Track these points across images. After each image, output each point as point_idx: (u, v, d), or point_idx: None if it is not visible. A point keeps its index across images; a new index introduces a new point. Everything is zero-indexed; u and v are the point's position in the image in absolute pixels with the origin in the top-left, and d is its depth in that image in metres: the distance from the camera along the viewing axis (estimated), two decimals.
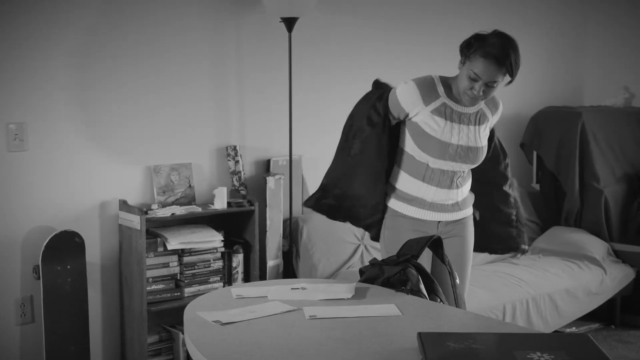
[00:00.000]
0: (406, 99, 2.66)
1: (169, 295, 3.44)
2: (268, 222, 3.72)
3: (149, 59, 3.52)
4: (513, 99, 5.02)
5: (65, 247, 3.22)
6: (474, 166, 2.72)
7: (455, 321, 2.09)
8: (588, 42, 5.48)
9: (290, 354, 1.76)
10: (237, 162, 3.72)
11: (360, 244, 4.01)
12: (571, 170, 4.71)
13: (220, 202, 3.54)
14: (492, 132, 2.81)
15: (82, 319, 3.27)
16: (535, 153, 4.94)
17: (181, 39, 3.60)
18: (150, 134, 3.55)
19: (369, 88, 4.29)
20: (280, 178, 3.76)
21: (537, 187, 5.02)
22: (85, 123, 3.37)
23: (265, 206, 3.71)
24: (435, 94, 2.64)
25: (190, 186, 3.62)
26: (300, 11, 3.62)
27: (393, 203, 2.76)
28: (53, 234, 3.19)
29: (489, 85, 2.56)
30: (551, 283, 4.10)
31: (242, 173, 3.73)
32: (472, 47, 2.57)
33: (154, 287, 3.40)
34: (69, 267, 3.22)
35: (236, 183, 3.72)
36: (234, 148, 3.73)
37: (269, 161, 3.87)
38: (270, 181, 3.73)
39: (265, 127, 3.91)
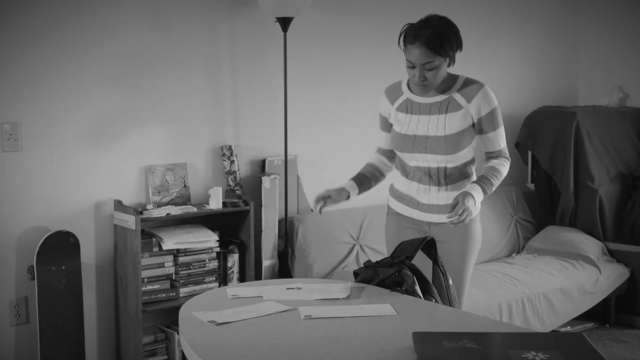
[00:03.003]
0: (381, 106, 2.79)
1: (164, 295, 3.43)
2: (263, 222, 3.72)
3: (144, 58, 3.51)
4: (508, 99, 5.04)
5: (60, 247, 3.21)
6: (444, 157, 2.62)
7: (450, 321, 2.10)
8: (582, 42, 5.49)
9: (285, 354, 1.76)
10: (232, 162, 3.72)
11: (355, 244, 4.01)
12: (566, 170, 4.72)
13: (216, 202, 3.54)
14: (480, 124, 2.64)
15: (77, 319, 3.27)
16: (530, 153, 4.95)
17: (176, 39, 3.60)
18: (145, 134, 3.54)
19: (364, 87, 4.31)
20: (275, 178, 3.76)
21: (532, 186, 5.03)
22: (80, 123, 3.37)
23: (261, 206, 3.71)
24: (399, 91, 2.73)
25: (185, 186, 3.62)
26: (295, 11, 3.62)
27: (389, 200, 2.90)
28: (48, 234, 3.19)
29: (427, 68, 2.56)
30: (546, 282, 4.11)
31: (238, 173, 3.73)
32: (402, 37, 2.62)
33: (149, 287, 3.39)
34: (63, 267, 3.22)
35: (231, 183, 3.72)
36: (229, 148, 3.73)
37: (264, 161, 3.87)
38: (266, 181, 3.72)
39: (260, 127, 3.91)
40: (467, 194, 2.52)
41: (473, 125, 2.65)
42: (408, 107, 2.69)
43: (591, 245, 4.51)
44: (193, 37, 3.66)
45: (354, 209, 4.15)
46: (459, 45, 2.64)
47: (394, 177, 2.89)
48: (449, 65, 2.63)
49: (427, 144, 2.64)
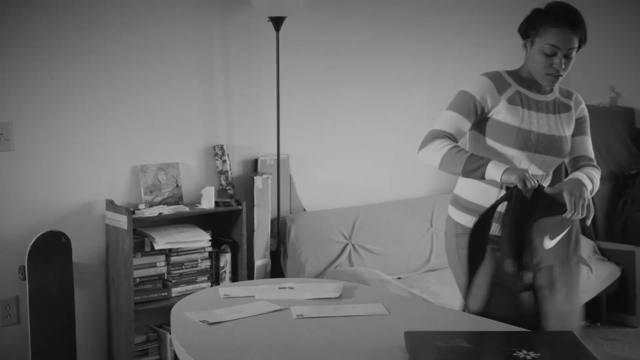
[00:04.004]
0: (479, 91, 2.40)
1: (156, 295, 3.43)
2: (256, 222, 3.72)
3: (136, 58, 3.50)
4: None
5: (51, 247, 3.20)
6: (559, 160, 2.48)
7: (442, 320, 2.10)
8: None
9: (277, 353, 1.76)
10: (224, 161, 3.72)
11: (348, 243, 4.02)
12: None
13: (208, 202, 3.54)
14: (579, 125, 2.53)
15: (69, 319, 3.26)
16: None
17: (168, 39, 3.59)
18: (137, 134, 3.54)
19: (357, 87, 4.32)
20: (268, 177, 3.76)
21: None
22: (72, 123, 3.35)
23: (253, 206, 3.70)
24: (506, 83, 2.42)
25: (177, 186, 3.61)
26: (288, 10, 3.61)
27: (458, 216, 2.48)
28: (39, 234, 3.18)
29: (568, 56, 2.34)
30: None
31: (230, 172, 3.73)
32: (536, 21, 2.37)
33: (141, 287, 3.38)
34: (55, 267, 3.20)
35: (224, 182, 3.72)
36: (222, 147, 3.72)
37: (256, 160, 3.86)
38: (258, 180, 3.72)
39: (252, 126, 3.90)
40: (578, 183, 2.29)
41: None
42: (523, 102, 2.41)
43: (583, 244, 4.51)
44: (185, 36, 3.65)
45: (346, 208, 4.15)
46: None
47: (462, 186, 2.48)
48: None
49: (552, 143, 2.41)
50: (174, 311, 2.10)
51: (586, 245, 4.53)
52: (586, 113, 2.56)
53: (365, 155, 4.37)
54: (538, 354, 1.62)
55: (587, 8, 5.68)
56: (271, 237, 3.81)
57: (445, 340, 1.71)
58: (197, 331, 1.92)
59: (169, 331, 3.32)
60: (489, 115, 2.39)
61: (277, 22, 3.64)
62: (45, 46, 3.25)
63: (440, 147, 2.33)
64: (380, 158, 4.44)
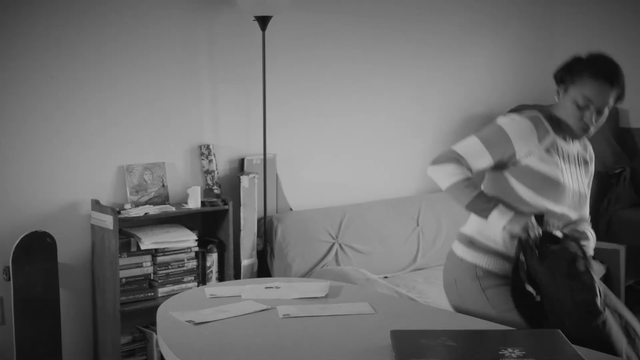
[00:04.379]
0: (518, 135, 2.25)
1: (142, 295, 3.41)
2: (242, 221, 3.71)
3: (122, 58, 3.49)
4: (485, 98, 5.07)
5: (36, 247, 3.18)
6: (579, 213, 2.36)
7: (428, 319, 2.11)
8: (559, 40, 5.54)
9: (263, 353, 1.76)
10: (210, 161, 3.71)
11: (334, 243, 4.02)
12: None
13: (194, 202, 3.53)
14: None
15: (54, 320, 3.24)
16: None
17: (154, 38, 3.58)
18: (122, 133, 3.52)
19: (343, 87, 4.32)
20: (254, 177, 3.76)
21: None
22: (57, 122, 3.33)
23: (240, 205, 3.70)
24: (545, 130, 2.28)
25: (163, 185, 3.60)
26: (273, 10, 3.61)
27: (479, 258, 2.30)
28: (24, 235, 3.15)
29: (600, 111, 2.24)
30: None
31: (216, 172, 3.72)
32: (575, 69, 2.27)
33: (127, 287, 3.37)
34: (40, 267, 3.18)
35: (210, 182, 3.71)
36: (208, 147, 3.72)
37: (243, 160, 3.86)
38: (245, 180, 3.72)
39: (239, 125, 3.90)
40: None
41: None
42: (559, 152, 2.29)
43: None
44: (171, 36, 3.64)
45: (333, 207, 4.16)
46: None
47: (477, 229, 2.33)
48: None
49: (580, 202, 2.33)
50: (160, 311, 2.10)
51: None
52: (592, 169, 2.46)
53: (352, 154, 4.38)
54: (523, 352, 1.63)
55: (569, 9, 5.74)
56: (258, 236, 3.81)
57: (431, 339, 1.72)
58: (183, 331, 1.92)
59: (156, 331, 3.31)
60: (520, 160, 2.26)
61: (263, 21, 3.64)
62: (31, 46, 3.23)
63: (453, 174, 2.24)
64: (366, 157, 4.44)
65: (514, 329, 2.03)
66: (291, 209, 4.08)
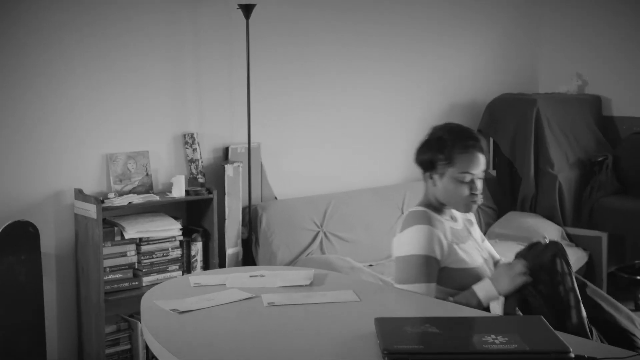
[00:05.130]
0: (432, 247, 2.19)
1: (126, 284, 3.40)
2: (227, 210, 3.70)
3: (105, 46, 3.46)
4: (470, 86, 5.08)
5: (18, 237, 3.16)
6: None
7: (412, 306, 2.12)
8: (542, 29, 5.56)
9: (248, 341, 1.76)
10: (194, 149, 3.70)
11: (319, 231, 4.02)
12: (526, 157, 4.79)
13: (178, 191, 3.52)
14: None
15: (38, 310, 3.22)
16: (491, 140, 5.01)
17: (137, 26, 3.55)
18: (105, 122, 3.50)
19: (328, 75, 4.31)
20: (238, 166, 3.75)
21: (493, 173, 5.09)
22: (40, 111, 3.30)
23: (224, 194, 3.69)
24: (440, 223, 2.26)
25: (147, 174, 3.58)
26: None
27: None
28: (6, 224, 3.13)
29: (480, 178, 2.27)
30: None
31: (200, 161, 3.70)
32: (443, 150, 2.24)
33: (111, 276, 3.36)
34: (23, 257, 3.16)
35: (194, 171, 3.70)
36: (192, 136, 3.70)
37: (227, 149, 3.85)
38: (229, 169, 3.71)
39: (223, 114, 3.88)
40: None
41: None
42: (456, 236, 2.28)
43: (551, 230, 4.59)
44: (155, 24, 3.61)
45: (317, 196, 4.16)
46: None
47: None
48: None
49: (490, 267, 2.32)
50: (144, 300, 2.09)
51: (554, 231, 4.60)
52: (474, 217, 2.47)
53: (336, 143, 4.37)
54: (506, 339, 1.64)
55: None
56: (242, 225, 3.80)
57: (415, 326, 1.72)
58: (168, 320, 1.91)
59: (140, 320, 3.31)
60: (441, 266, 2.21)
61: (247, 9, 3.62)
62: (11, 35, 3.19)
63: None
64: (351, 146, 4.45)
65: (498, 316, 2.04)
66: (276, 198, 4.08)
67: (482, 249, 2.37)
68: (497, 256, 2.48)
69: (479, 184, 2.26)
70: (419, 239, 2.19)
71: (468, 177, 2.22)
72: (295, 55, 4.16)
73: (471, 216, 2.44)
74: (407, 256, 2.20)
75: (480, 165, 2.25)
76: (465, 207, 2.27)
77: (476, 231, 2.43)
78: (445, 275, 2.22)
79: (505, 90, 5.20)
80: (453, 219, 2.34)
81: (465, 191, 2.23)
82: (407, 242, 2.21)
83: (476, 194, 2.24)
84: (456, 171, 2.23)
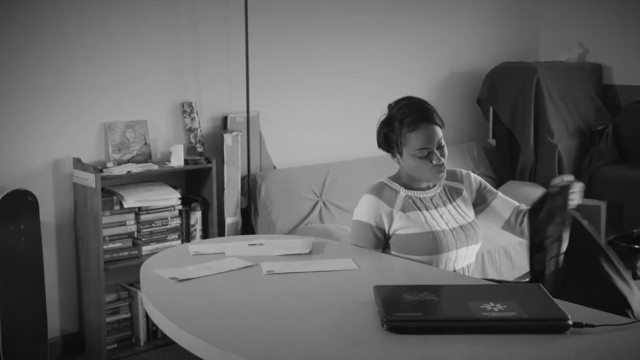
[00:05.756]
0: (372, 215, 2.29)
1: (126, 253, 3.41)
2: (226, 180, 3.70)
3: (103, 16, 3.42)
4: (470, 55, 5.05)
5: (18, 206, 3.15)
6: (478, 246, 2.38)
7: (410, 274, 2.12)
8: None
9: (247, 309, 1.77)
10: (193, 119, 3.68)
11: (318, 201, 4.02)
12: (526, 125, 4.77)
13: (177, 160, 3.51)
14: (484, 192, 2.46)
15: (38, 279, 3.24)
16: (491, 109, 4.99)
17: None
18: (103, 91, 3.47)
19: (327, 44, 4.27)
20: (237, 135, 3.74)
21: (493, 142, 5.08)
22: (37, 79, 3.28)
23: (223, 163, 3.68)
24: (393, 192, 2.32)
25: (146, 144, 3.57)
26: None
27: None
28: (5, 193, 3.13)
29: (440, 147, 2.28)
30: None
31: (199, 130, 3.69)
32: (392, 133, 2.29)
33: (110, 245, 3.37)
34: (22, 226, 3.17)
35: (193, 140, 3.68)
36: (190, 104, 3.68)
37: (226, 118, 3.83)
38: (228, 138, 3.69)
39: (221, 83, 3.86)
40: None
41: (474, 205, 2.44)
42: (417, 204, 2.31)
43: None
44: None
45: (316, 165, 4.15)
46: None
47: None
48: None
49: (467, 233, 2.32)
50: (143, 268, 2.09)
51: None
52: (480, 179, 2.46)
53: (335, 112, 4.35)
54: (505, 306, 1.64)
55: None
56: (241, 194, 3.80)
57: (413, 294, 1.73)
58: (167, 288, 1.92)
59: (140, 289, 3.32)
60: (391, 233, 2.28)
61: None
62: (8, 3, 3.15)
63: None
64: (350, 115, 4.43)
65: (496, 284, 2.05)
66: (275, 167, 4.07)
67: (466, 214, 2.37)
68: (517, 205, 2.47)
69: (440, 152, 2.27)
70: (361, 206, 2.34)
71: (425, 152, 2.26)
72: (294, 23, 4.12)
73: (465, 185, 2.42)
74: (353, 220, 2.36)
75: (434, 137, 2.26)
76: (434, 177, 2.31)
77: (465, 199, 2.41)
78: (398, 240, 2.28)
79: (505, 59, 5.16)
80: (427, 188, 2.36)
81: (427, 165, 2.27)
82: (356, 208, 2.36)
83: (440, 164, 2.27)
84: (411, 149, 2.27)
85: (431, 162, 2.26)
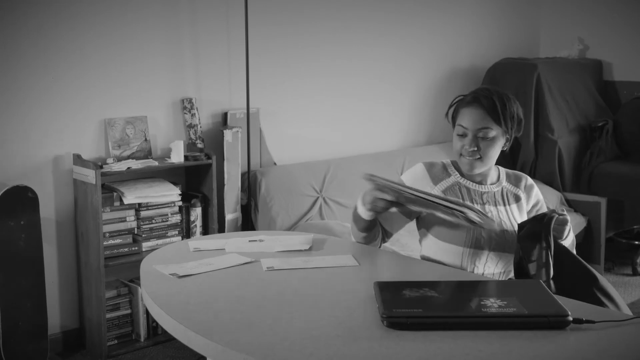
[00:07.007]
0: (412, 181, 2.24)
1: (126, 250, 3.42)
2: (226, 176, 3.70)
3: (103, 11, 3.41)
4: (470, 51, 5.04)
5: (18, 202, 3.15)
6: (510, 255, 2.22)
7: (411, 270, 2.12)
8: None
9: (247, 305, 1.77)
10: (193, 115, 3.68)
11: (318, 197, 4.02)
12: (526, 122, 4.77)
13: (177, 156, 3.51)
14: (533, 213, 2.33)
15: (38, 275, 3.24)
16: None
17: None
18: (104, 87, 3.47)
19: (326, 41, 4.27)
20: (237, 131, 3.73)
21: None
22: (38, 76, 3.28)
23: (223, 159, 3.68)
24: (444, 173, 2.27)
25: (146, 140, 3.57)
26: None
27: None
28: (5, 189, 3.13)
29: (481, 137, 2.17)
30: None
31: (199, 126, 3.69)
32: (456, 106, 2.28)
33: (111, 242, 3.37)
34: (22, 222, 3.17)
35: (193, 136, 3.68)
36: (190, 101, 3.68)
37: (226, 114, 3.83)
38: (228, 134, 3.69)
39: (221, 79, 3.85)
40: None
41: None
42: (462, 192, 2.25)
43: (550, 196, 4.59)
44: None
45: (316, 161, 4.15)
46: (519, 119, 2.27)
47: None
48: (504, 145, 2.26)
49: (506, 240, 2.19)
50: (143, 264, 2.09)
51: (554, 197, 4.61)
52: (540, 197, 2.35)
53: (335, 108, 4.35)
54: (505, 302, 1.64)
55: None
56: (242, 191, 3.80)
57: (414, 290, 1.73)
58: (167, 284, 1.92)
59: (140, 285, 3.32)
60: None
61: None
62: (15, 2, 3.16)
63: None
64: (350, 111, 4.43)
65: (496, 280, 2.04)
66: (275, 163, 4.07)
67: (515, 222, 2.25)
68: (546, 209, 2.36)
69: (477, 141, 2.18)
70: (409, 172, 2.33)
71: (460, 130, 2.21)
72: (295, 19, 4.11)
73: (526, 193, 2.32)
74: (399, 179, 2.31)
75: (478, 120, 2.17)
76: (460, 161, 2.24)
77: (521, 207, 2.30)
78: (433, 221, 2.22)
79: (505, 55, 5.16)
80: (482, 183, 2.27)
81: (458, 144, 2.22)
82: (406, 171, 2.36)
83: (471, 150, 2.18)
84: (456, 126, 2.24)
85: (461, 144, 2.21)
